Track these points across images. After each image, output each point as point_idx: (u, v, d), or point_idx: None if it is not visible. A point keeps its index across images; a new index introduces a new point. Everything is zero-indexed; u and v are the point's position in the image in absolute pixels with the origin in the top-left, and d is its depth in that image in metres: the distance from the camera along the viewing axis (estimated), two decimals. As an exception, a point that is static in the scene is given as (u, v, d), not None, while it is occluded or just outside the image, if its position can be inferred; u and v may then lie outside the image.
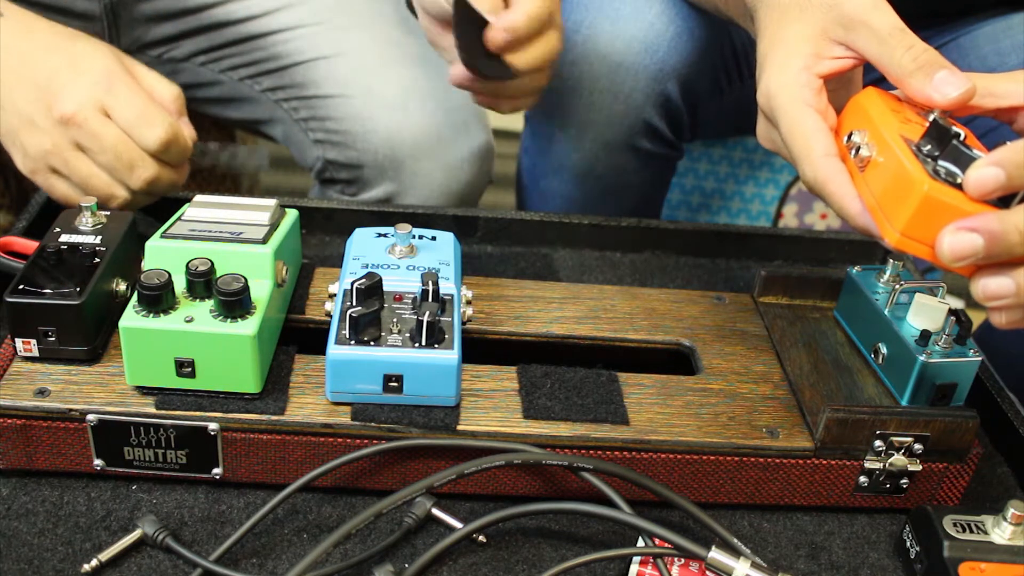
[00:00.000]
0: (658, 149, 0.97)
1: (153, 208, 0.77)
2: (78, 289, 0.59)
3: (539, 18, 0.74)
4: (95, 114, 0.70)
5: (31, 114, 0.71)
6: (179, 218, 0.64)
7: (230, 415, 0.58)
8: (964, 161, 0.52)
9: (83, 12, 0.96)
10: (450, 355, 0.58)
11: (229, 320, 0.57)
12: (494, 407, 0.61)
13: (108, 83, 0.71)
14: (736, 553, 0.55)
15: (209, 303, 0.58)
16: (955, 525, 0.58)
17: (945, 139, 0.53)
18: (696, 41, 0.91)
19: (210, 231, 0.62)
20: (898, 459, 0.61)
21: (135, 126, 0.71)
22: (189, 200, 0.67)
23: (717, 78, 0.99)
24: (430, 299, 0.61)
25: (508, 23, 0.73)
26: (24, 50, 0.73)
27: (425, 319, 0.58)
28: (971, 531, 0.58)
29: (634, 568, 0.57)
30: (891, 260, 0.69)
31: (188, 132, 0.75)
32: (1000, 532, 0.57)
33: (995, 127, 0.61)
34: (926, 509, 0.59)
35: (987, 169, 0.50)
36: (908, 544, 0.60)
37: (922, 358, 0.62)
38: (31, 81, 0.72)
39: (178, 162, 0.74)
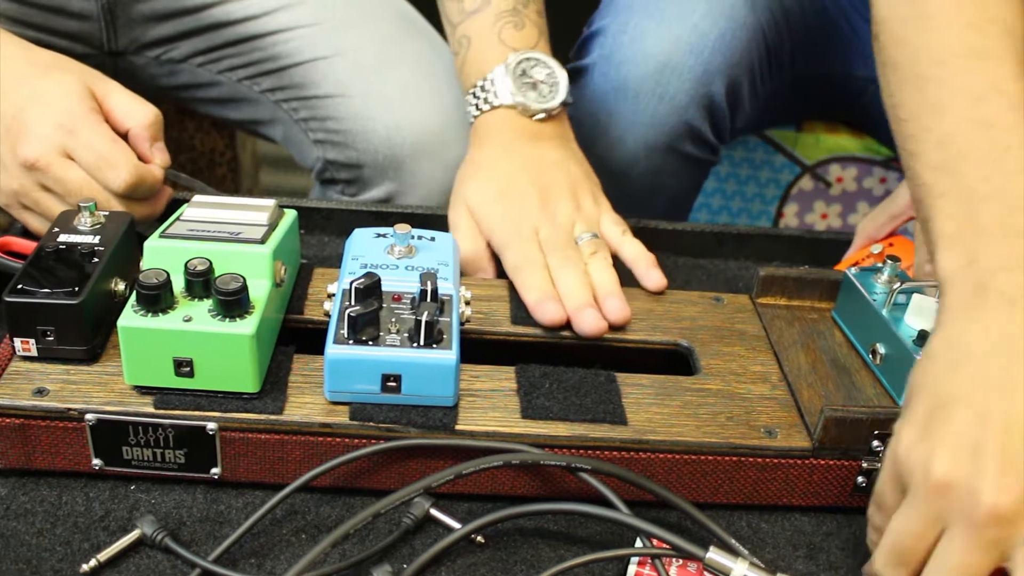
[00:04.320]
0: (698, 152, 0.97)
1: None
2: (77, 289, 0.59)
3: None
4: (58, 159, 0.69)
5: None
6: (178, 218, 0.64)
7: (229, 415, 0.58)
8: None
9: (79, 12, 0.96)
10: (448, 355, 0.58)
11: (228, 320, 0.57)
12: (492, 407, 0.61)
13: (70, 125, 0.69)
14: (734, 553, 0.55)
15: (208, 303, 0.58)
16: None
17: None
18: (740, 41, 0.91)
19: (209, 231, 0.62)
20: (896, 459, 0.61)
21: (98, 170, 0.70)
22: (188, 200, 0.67)
23: (754, 78, 0.99)
24: (428, 299, 0.61)
25: None
26: None
27: (423, 319, 0.58)
28: None
29: (632, 568, 0.57)
30: (888, 261, 0.69)
31: (161, 159, 0.74)
32: None
33: None
34: None
35: None
36: None
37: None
38: None
39: (147, 197, 0.73)
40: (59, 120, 0.69)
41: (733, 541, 0.57)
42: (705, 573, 0.55)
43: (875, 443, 0.61)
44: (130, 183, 0.70)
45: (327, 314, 0.65)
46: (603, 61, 0.93)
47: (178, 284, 0.58)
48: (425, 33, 1.03)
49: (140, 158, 0.72)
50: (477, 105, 0.82)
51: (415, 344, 0.58)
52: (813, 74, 1.06)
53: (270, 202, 0.66)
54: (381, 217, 0.85)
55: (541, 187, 0.76)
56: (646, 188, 0.98)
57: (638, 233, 0.88)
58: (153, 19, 0.98)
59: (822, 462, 0.62)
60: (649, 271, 0.74)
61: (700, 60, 0.91)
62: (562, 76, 0.81)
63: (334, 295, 0.64)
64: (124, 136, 0.72)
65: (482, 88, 0.81)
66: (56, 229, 0.65)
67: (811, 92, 1.09)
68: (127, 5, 0.97)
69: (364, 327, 0.58)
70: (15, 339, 0.59)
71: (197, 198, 0.67)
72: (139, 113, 0.73)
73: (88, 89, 0.72)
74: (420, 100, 0.96)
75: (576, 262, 0.72)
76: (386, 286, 0.62)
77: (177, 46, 1.00)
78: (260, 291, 0.60)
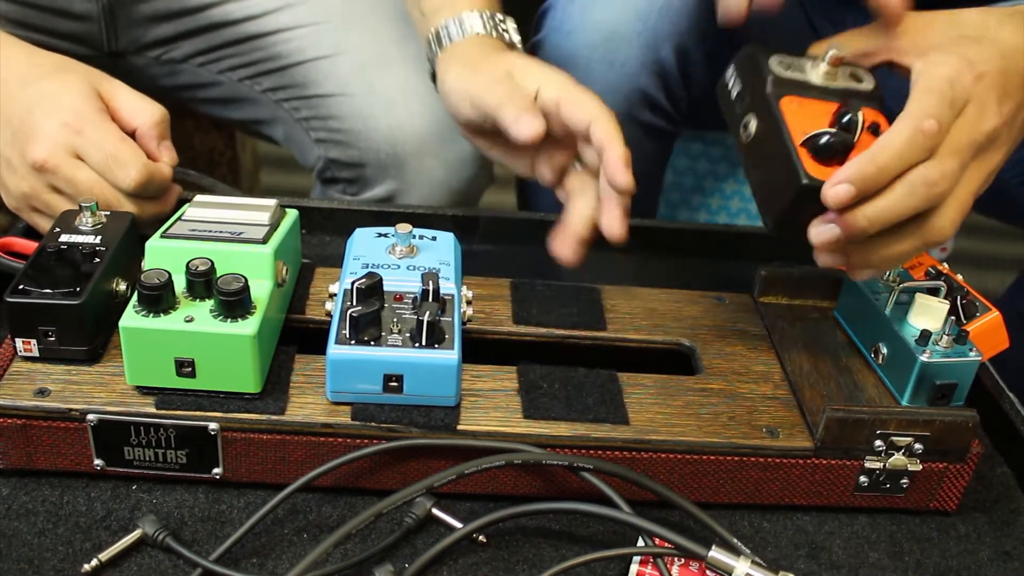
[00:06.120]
0: (657, 121, 0.98)
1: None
2: (78, 289, 0.59)
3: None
4: (67, 159, 0.69)
5: (8, 156, 0.71)
6: (179, 218, 0.64)
7: (230, 415, 0.58)
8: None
9: (81, 13, 0.96)
10: (450, 355, 0.58)
11: (229, 320, 0.57)
12: (494, 407, 0.61)
13: (78, 125, 0.69)
14: (736, 553, 0.55)
15: (209, 303, 0.58)
16: (780, 64, 0.61)
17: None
18: (687, 8, 0.93)
19: (210, 231, 0.62)
20: (898, 459, 0.61)
21: (108, 169, 0.69)
22: (189, 200, 0.67)
23: (710, 49, 1.00)
24: (430, 299, 0.61)
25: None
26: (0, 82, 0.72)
27: (425, 319, 0.58)
28: (794, 69, 0.61)
29: (634, 568, 0.57)
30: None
31: (168, 157, 0.74)
32: (816, 73, 0.61)
33: None
34: (754, 48, 0.62)
35: (841, 187, 0.56)
36: (730, 86, 0.62)
37: (922, 358, 0.62)
38: (5, 121, 0.71)
39: (157, 195, 0.73)
40: (67, 120, 0.69)
41: (735, 540, 0.57)
42: (707, 572, 0.55)
43: (877, 443, 0.61)
44: (140, 181, 0.70)
45: (329, 314, 0.65)
46: (553, 33, 0.94)
47: (180, 284, 0.58)
48: None
49: (148, 157, 0.72)
50: (441, 41, 0.77)
51: (417, 344, 0.58)
52: None
53: (271, 202, 0.66)
54: (382, 217, 0.85)
55: (521, 63, 0.72)
56: None
57: (637, 232, 0.88)
58: (154, 20, 0.98)
59: (824, 462, 0.62)
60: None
61: (647, 26, 0.92)
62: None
63: (336, 295, 0.64)
64: (131, 135, 0.72)
65: (447, 28, 0.77)
66: (57, 229, 0.65)
67: None
68: (128, 6, 0.97)
69: (366, 327, 0.58)
70: (16, 339, 0.59)
71: (198, 198, 0.67)
72: (146, 112, 0.73)
73: (94, 89, 0.72)
74: (422, 99, 0.96)
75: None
76: (388, 286, 0.62)
77: (178, 46, 1.00)
78: (262, 291, 0.60)
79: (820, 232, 0.59)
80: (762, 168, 0.61)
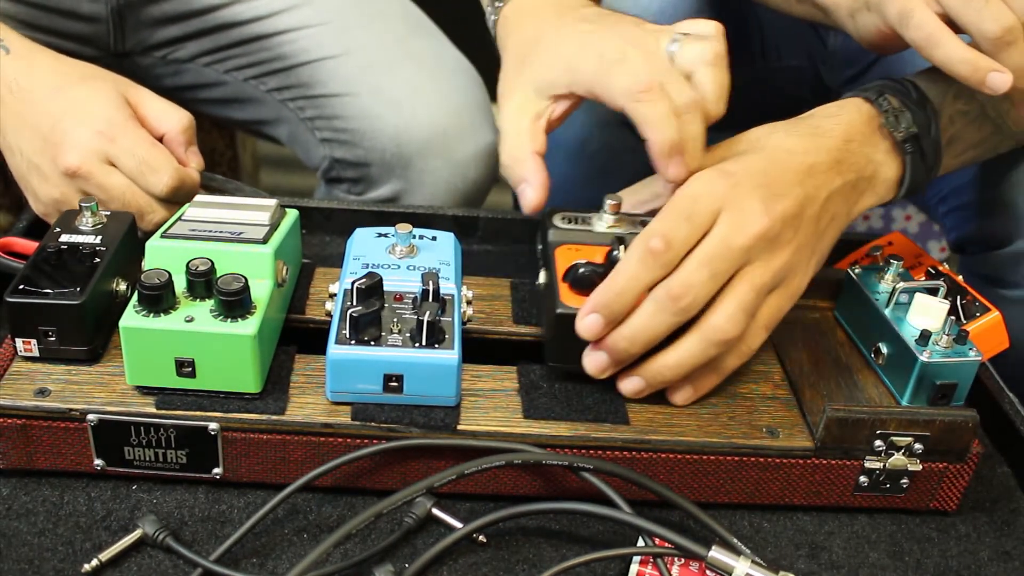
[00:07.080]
0: None
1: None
2: (78, 289, 0.59)
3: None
4: (99, 165, 0.70)
5: (38, 163, 0.71)
6: (179, 218, 0.64)
7: (230, 415, 0.58)
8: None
9: (89, 15, 0.96)
10: (450, 355, 0.58)
11: (229, 320, 0.57)
12: (494, 407, 0.61)
13: (110, 132, 0.70)
14: (736, 552, 0.55)
15: (209, 303, 0.58)
16: (562, 219, 0.67)
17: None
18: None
19: (210, 231, 0.62)
20: (898, 459, 0.61)
21: (141, 175, 0.70)
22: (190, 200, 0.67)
23: None
24: (430, 299, 0.61)
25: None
26: (27, 90, 0.72)
27: (425, 319, 0.58)
28: (578, 223, 0.67)
29: (634, 568, 0.57)
30: (892, 260, 0.69)
31: (196, 162, 0.74)
32: (601, 223, 0.65)
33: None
34: (550, 210, 0.68)
35: (588, 318, 0.58)
36: (538, 249, 0.68)
37: (922, 358, 0.62)
38: (35, 128, 0.71)
39: (186, 200, 0.73)
40: (99, 127, 0.70)
41: (735, 540, 0.57)
42: (707, 572, 0.55)
43: (877, 443, 0.61)
44: (172, 186, 0.70)
45: (329, 314, 0.65)
46: None
47: (180, 284, 0.58)
48: (432, 33, 1.03)
49: (177, 162, 0.72)
50: None
51: (417, 344, 0.58)
52: (784, 67, 1.06)
53: (272, 202, 0.66)
54: (383, 217, 0.85)
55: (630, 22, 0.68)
56: (605, 165, 0.99)
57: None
58: (162, 21, 0.98)
59: (824, 462, 0.62)
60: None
61: None
62: None
63: (336, 295, 0.64)
64: (158, 141, 0.73)
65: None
66: (58, 229, 0.65)
67: (782, 88, 1.09)
68: (136, 8, 0.97)
69: (366, 327, 0.58)
70: (17, 339, 0.59)
71: (199, 198, 0.67)
72: (173, 118, 0.73)
73: (122, 96, 0.73)
74: (427, 99, 0.96)
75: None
76: (388, 286, 0.62)
77: (183, 47, 1.00)
78: (262, 291, 0.60)
79: (591, 360, 0.60)
80: (543, 311, 0.65)
